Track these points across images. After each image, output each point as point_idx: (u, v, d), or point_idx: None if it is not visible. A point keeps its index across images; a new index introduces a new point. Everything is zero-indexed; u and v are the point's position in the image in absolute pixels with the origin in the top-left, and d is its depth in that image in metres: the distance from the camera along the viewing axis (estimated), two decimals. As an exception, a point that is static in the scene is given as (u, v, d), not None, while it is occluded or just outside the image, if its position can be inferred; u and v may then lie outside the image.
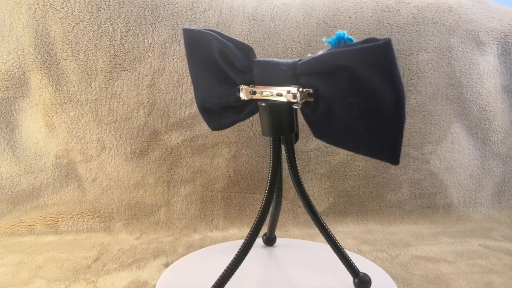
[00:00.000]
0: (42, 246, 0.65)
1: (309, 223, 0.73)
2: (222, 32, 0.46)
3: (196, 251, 0.60)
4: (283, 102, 0.42)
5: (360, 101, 0.36)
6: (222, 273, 0.41)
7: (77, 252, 0.62)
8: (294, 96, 0.40)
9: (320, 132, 0.41)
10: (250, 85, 0.44)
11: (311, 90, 0.39)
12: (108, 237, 0.70)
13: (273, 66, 0.42)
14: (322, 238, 0.56)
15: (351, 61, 0.35)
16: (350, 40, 0.37)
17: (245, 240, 0.43)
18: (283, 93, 0.41)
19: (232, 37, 0.46)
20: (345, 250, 0.47)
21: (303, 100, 0.40)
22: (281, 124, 0.43)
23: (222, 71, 0.47)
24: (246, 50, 0.45)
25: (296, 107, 0.41)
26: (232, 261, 0.42)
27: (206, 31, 0.46)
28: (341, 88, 0.37)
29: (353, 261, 0.47)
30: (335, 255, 0.47)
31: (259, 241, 0.61)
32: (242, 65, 0.45)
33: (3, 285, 0.50)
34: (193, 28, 0.49)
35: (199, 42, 0.48)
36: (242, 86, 0.45)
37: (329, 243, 0.47)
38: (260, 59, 0.44)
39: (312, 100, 0.39)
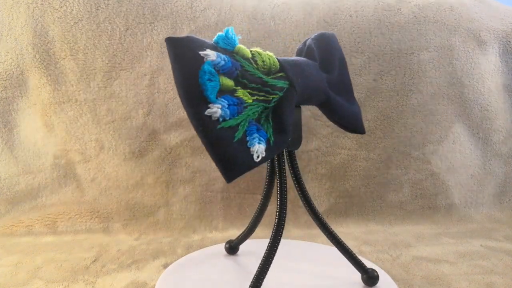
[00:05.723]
0: (41, 246, 0.65)
1: (309, 223, 0.72)
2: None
3: (196, 251, 0.59)
4: None
5: None
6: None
7: (75, 252, 0.61)
8: None
9: None
10: None
11: None
12: (107, 237, 0.69)
13: None
14: (323, 238, 0.55)
15: None
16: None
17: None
18: None
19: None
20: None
21: None
22: None
23: None
24: None
25: None
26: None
27: None
28: None
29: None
30: (337, 255, 0.46)
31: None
32: None
33: (1, 286, 0.50)
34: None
35: None
36: None
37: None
38: None
39: None
